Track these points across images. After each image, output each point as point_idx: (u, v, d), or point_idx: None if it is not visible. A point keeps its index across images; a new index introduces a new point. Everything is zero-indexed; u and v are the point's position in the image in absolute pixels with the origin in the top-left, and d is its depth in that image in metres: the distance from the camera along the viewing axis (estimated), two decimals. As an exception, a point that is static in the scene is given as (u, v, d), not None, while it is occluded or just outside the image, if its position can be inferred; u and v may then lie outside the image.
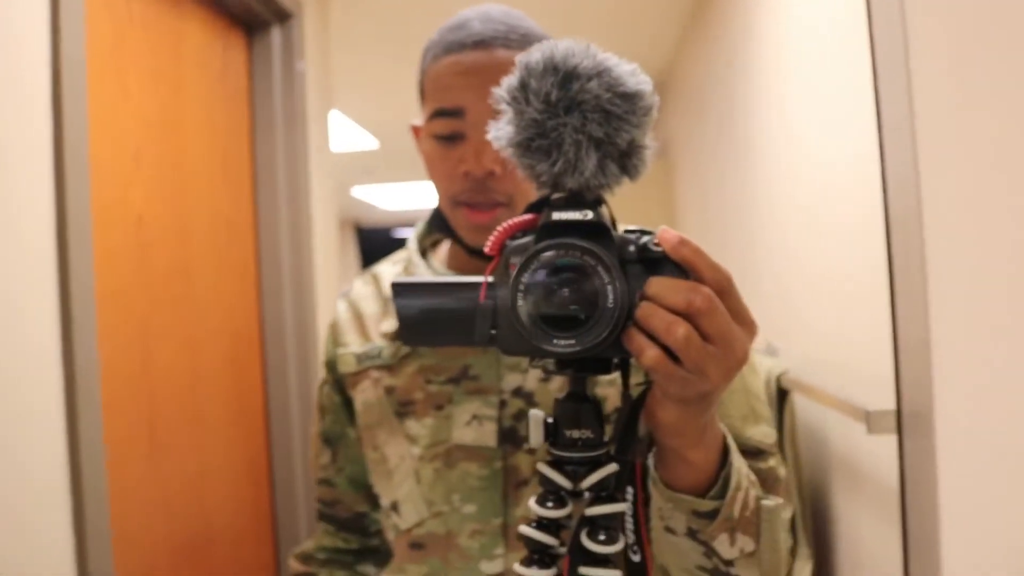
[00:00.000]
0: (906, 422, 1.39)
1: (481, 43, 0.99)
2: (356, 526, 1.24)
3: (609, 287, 0.63)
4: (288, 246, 2.54)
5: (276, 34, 2.54)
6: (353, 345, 1.15)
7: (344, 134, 5.19)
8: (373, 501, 1.20)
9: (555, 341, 0.63)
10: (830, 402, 1.72)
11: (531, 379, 1.03)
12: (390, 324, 1.12)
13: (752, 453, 0.93)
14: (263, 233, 2.51)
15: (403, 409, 1.08)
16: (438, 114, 1.01)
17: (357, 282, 1.22)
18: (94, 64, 1.68)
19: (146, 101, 1.95)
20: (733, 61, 2.94)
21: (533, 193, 1.00)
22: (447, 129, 1.01)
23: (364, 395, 1.12)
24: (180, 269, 2.05)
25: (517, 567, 0.72)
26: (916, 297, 1.38)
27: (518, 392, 1.03)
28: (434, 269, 1.15)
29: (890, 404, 1.46)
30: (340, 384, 1.18)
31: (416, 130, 1.13)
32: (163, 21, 2.04)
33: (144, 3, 1.95)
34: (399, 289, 0.71)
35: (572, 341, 0.63)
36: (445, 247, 1.18)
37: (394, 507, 1.09)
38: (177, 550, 1.96)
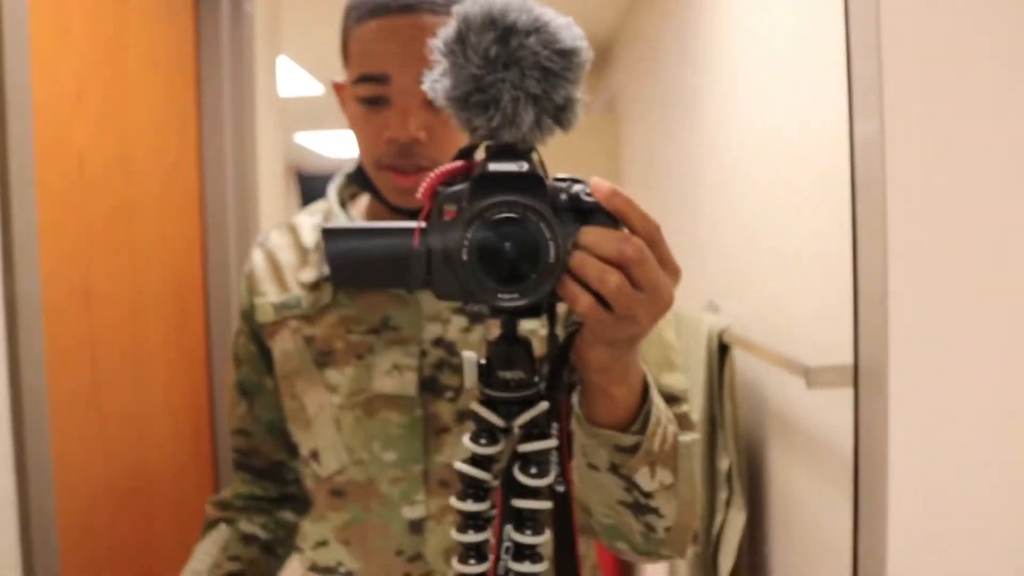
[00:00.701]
0: (862, 378, 1.44)
1: (407, 7, 0.98)
2: (274, 475, 1.25)
3: (551, 243, 0.64)
4: (233, 190, 2.50)
5: (224, -28, 2.48)
6: (271, 295, 1.15)
7: (289, 79, 5.10)
8: (291, 450, 1.21)
9: (499, 295, 0.65)
10: (771, 358, 1.76)
11: (452, 329, 1.05)
12: (309, 274, 1.12)
13: (668, 399, 0.97)
14: (208, 176, 2.47)
15: (323, 359, 1.09)
16: (363, 79, 1.01)
17: (273, 233, 1.22)
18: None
19: (89, 38, 1.89)
20: (685, 15, 2.95)
21: None
22: (371, 93, 1.00)
23: (283, 344, 1.12)
24: (123, 208, 2.02)
25: (453, 501, 0.74)
26: (876, 255, 1.41)
27: (439, 342, 1.05)
28: (353, 221, 1.14)
29: (830, 360, 1.51)
30: (257, 334, 1.18)
31: (338, 87, 1.13)
32: (107, -45, 1.98)
33: (87, -65, 1.90)
34: (331, 233, 0.72)
35: (516, 295, 0.65)
36: (364, 200, 1.19)
37: (313, 455, 1.10)
38: (117, 488, 1.95)
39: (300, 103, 6.06)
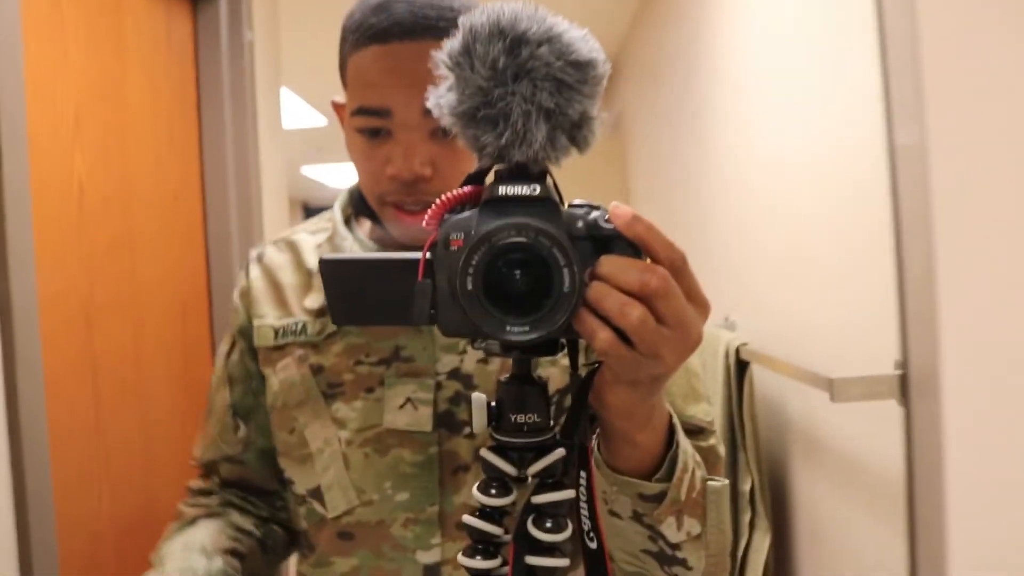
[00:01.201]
0: (913, 388, 1.39)
1: (408, 33, 0.89)
2: (265, 500, 1.16)
3: (565, 270, 0.59)
4: (237, 221, 2.47)
5: (223, 2, 2.47)
6: (270, 317, 1.06)
7: (293, 111, 5.11)
8: (283, 482, 1.10)
9: (508, 328, 0.59)
10: (791, 372, 1.71)
11: (468, 360, 0.97)
12: (315, 300, 1.03)
13: (693, 432, 0.91)
14: (211, 207, 2.44)
15: (331, 391, 1.00)
16: (362, 111, 0.93)
17: (270, 248, 1.13)
18: (30, 24, 1.61)
19: (87, 66, 1.87)
20: (689, 34, 2.93)
21: None
22: (372, 126, 0.93)
23: (286, 373, 1.03)
24: (124, 240, 1.98)
25: (460, 558, 0.69)
26: (922, 263, 1.37)
27: (454, 374, 0.97)
28: (361, 242, 1.06)
29: (852, 372, 1.46)
30: (253, 356, 1.09)
31: (338, 108, 1.05)
32: (104, -16, 1.97)
33: (83, -36, 1.88)
34: (329, 266, 0.67)
35: (526, 328, 0.59)
36: (368, 221, 1.11)
37: (315, 494, 1.02)
38: (121, 523, 1.90)
39: (305, 135, 6.07)
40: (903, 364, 1.40)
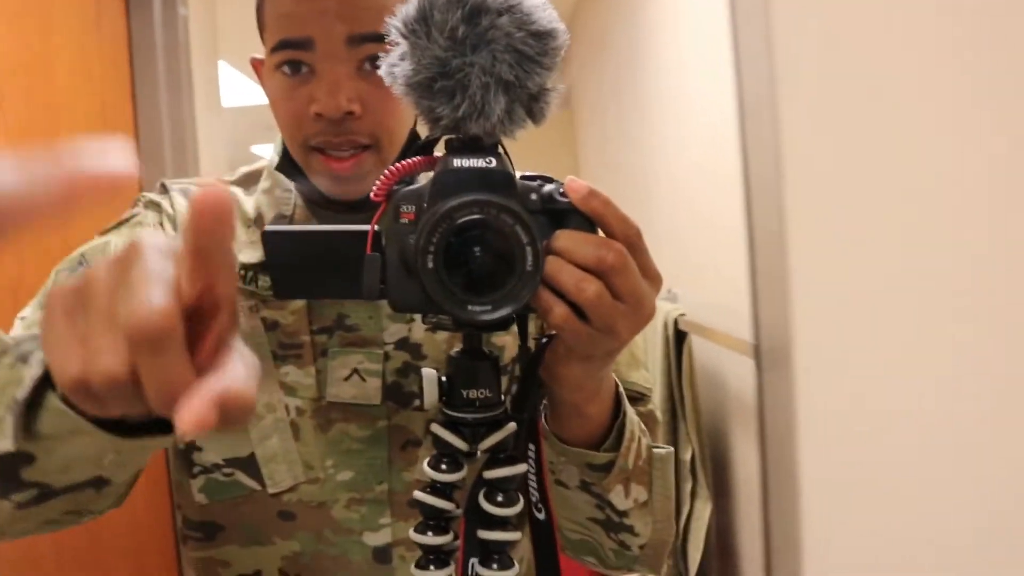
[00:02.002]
0: (764, 355, 1.41)
1: None
2: None
3: (528, 248, 0.58)
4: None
5: (154, -24, 2.42)
6: None
7: (236, 89, 5.02)
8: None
9: (470, 307, 0.58)
10: (722, 340, 1.73)
11: (417, 329, 0.93)
12: (252, 254, 0.93)
13: (634, 398, 0.91)
14: (147, 183, 2.39)
15: (285, 352, 0.92)
16: (282, 46, 0.86)
17: (194, 188, 1.00)
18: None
19: (8, 43, 1.82)
20: (636, 8, 2.92)
21: (400, 131, 0.90)
22: (292, 59, 0.86)
23: None
24: (54, 226, 1.94)
25: (412, 534, 0.68)
26: (773, 234, 1.39)
27: (402, 344, 0.92)
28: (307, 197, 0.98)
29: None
30: None
31: (256, 64, 0.98)
32: (26, -41, 1.92)
33: (3, -61, 1.83)
34: (272, 237, 0.65)
35: (489, 307, 0.58)
36: None
37: (241, 464, 0.91)
38: (65, 558, 1.86)
39: (252, 113, 5.97)
40: (754, 333, 1.45)
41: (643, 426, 0.84)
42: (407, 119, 0.90)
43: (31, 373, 0.56)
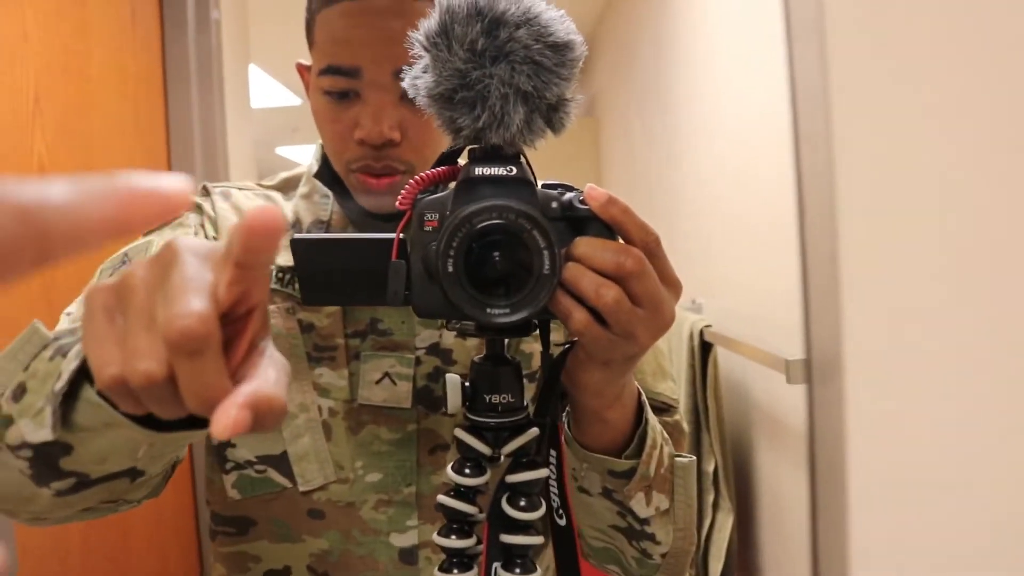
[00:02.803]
0: (815, 371, 1.41)
1: None
2: None
3: (545, 252, 0.59)
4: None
5: (189, -21, 2.44)
6: None
7: (264, 90, 5.06)
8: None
9: (489, 310, 0.60)
10: (751, 353, 1.72)
11: (448, 335, 0.94)
12: (291, 258, 0.91)
13: (660, 409, 0.92)
14: (179, 188, 2.42)
15: (319, 354, 0.94)
16: (330, 71, 0.89)
17: (235, 191, 1.03)
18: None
19: (47, 43, 1.85)
20: (661, 18, 2.92)
21: (435, 158, 0.90)
22: (339, 87, 0.89)
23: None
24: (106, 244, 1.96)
25: (436, 537, 0.69)
26: (825, 248, 1.39)
27: (433, 349, 0.94)
28: (344, 207, 1.00)
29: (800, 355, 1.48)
30: None
31: (302, 70, 1.00)
32: (65, -40, 1.94)
33: (43, -60, 1.85)
34: (300, 245, 0.66)
35: (507, 310, 0.60)
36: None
37: (273, 462, 0.93)
38: (91, 551, 1.88)
39: (279, 114, 6.02)
40: (806, 349, 1.44)
41: (666, 435, 0.84)
42: (442, 147, 0.92)
43: (69, 366, 0.59)
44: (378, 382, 0.93)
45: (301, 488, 0.93)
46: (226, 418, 0.38)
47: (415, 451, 0.93)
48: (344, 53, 0.88)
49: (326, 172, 1.02)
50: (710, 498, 2.04)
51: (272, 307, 0.95)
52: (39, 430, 0.60)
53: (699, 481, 2.07)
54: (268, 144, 7.31)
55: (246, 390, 0.40)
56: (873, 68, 1.35)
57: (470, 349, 0.95)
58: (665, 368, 0.97)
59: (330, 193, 1.00)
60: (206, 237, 0.97)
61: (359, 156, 0.91)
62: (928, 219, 1.33)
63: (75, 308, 0.92)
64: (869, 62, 1.35)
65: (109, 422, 0.56)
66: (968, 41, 1.29)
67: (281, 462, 0.93)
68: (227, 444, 0.95)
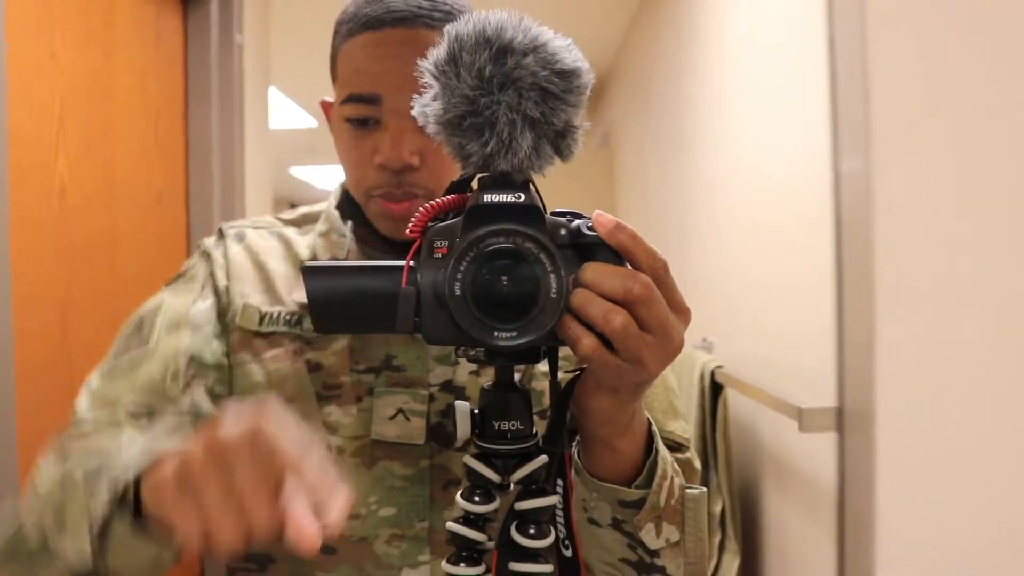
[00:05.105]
0: (847, 421, 1.41)
1: (402, 20, 0.90)
2: None
3: (552, 275, 0.60)
4: (220, 221, 2.47)
5: (214, 3, 2.47)
6: (255, 298, 0.99)
7: (282, 112, 5.10)
8: None
9: (496, 334, 0.60)
10: (764, 399, 1.72)
11: (461, 372, 0.95)
12: (303, 295, 0.91)
13: (672, 447, 0.92)
14: (194, 207, 2.44)
15: (326, 392, 0.95)
16: (352, 99, 0.92)
17: (249, 231, 1.06)
18: (15, 20, 1.60)
19: (74, 64, 1.87)
20: (678, 54, 2.94)
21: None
22: (361, 115, 0.92)
23: (277, 364, 0.96)
24: (105, 240, 1.98)
25: (444, 565, 0.69)
26: (862, 298, 1.39)
27: (447, 386, 0.94)
28: (362, 245, 1.02)
29: (823, 402, 1.48)
30: (226, 333, 0.99)
31: (326, 107, 1.04)
32: (94, -18, 1.96)
33: (75, -38, 1.88)
34: (312, 271, 0.67)
35: (514, 333, 0.60)
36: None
37: None
38: None
39: (294, 136, 6.06)
40: (838, 396, 1.43)
41: (677, 467, 0.84)
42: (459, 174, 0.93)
43: (102, 498, 0.68)
44: (392, 418, 0.93)
45: None
46: (309, 544, 0.49)
47: (428, 487, 0.93)
48: (364, 81, 0.91)
49: (346, 205, 1.04)
50: (716, 539, 2.03)
51: (280, 350, 0.97)
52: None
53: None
54: (282, 164, 7.36)
55: (314, 521, 0.51)
56: (913, 101, 1.36)
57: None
58: (677, 407, 0.97)
59: (347, 232, 1.02)
60: (215, 286, 1.01)
61: (380, 182, 0.93)
62: (967, 266, 1.33)
63: (97, 382, 0.98)
64: (916, 110, 1.36)
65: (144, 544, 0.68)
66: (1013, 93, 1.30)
67: None
68: None
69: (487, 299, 0.60)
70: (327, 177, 8.07)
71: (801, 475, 1.75)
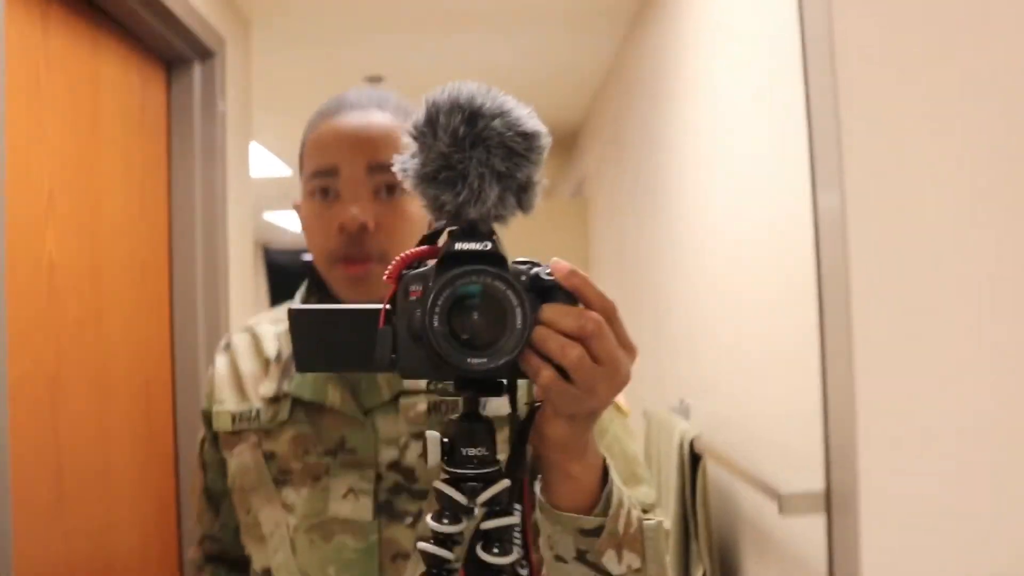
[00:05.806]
0: (834, 502, 1.43)
1: (355, 106, 1.07)
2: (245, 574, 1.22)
3: (518, 309, 0.69)
4: (202, 282, 2.49)
5: (197, 71, 2.50)
6: (228, 403, 1.15)
7: (259, 162, 5.12)
8: None
9: (469, 360, 0.68)
10: (743, 477, 1.75)
11: (410, 454, 1.05)
12: (269, 387, 1.12)
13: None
14: (177, 271, 2.46)
15: (282, 477, 1.09)
16: (314, 175, 1.06)
17: (236, 336, 1.23)
18: (11, 104, 1.63)
19: (62, 142, 1.89)
20: (647, 107, 2.99)
21: (406, 248, 1.04)
22: (322, 186, 1.06)
23: (241, 458, 1.12)
24: (92, 315, 1.99)
25: None
26: (843, 383, 1.42)
27: (395, 466, 1.05)
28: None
29: (803, 486, 1.50)
30: (215, 441, 1.18)
31: (298, 207, 1.16)
32: (81, 59, 1.99)
33: (62, 41, 1.90)
34: (297, 315, 0.76)
35: (484, 359, 0.68)
36: None
37: (266, 573, 1.09)
38: None
39: (270, 184, 6.09)
40: (825, 478, 1.47)
41: (634, 500, 0.90)
42: (414, 235, 1.05)
43: None
44: (344, 496, 1.06)
45: None
46: None
47: (377, 559, 1.04)
48: (324, 156, 1.06)
49: (314, 286, 1.17)
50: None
51: (244, 444, 1.12)
52: None
53: (685, 588, 2.09)
54: (256, 209, 7.36)
55: None
56: (886, 149, 1.41)
57: (431, 471, 1.00)
58: (639, 474, 1.05)
59: None
60: (207, 411, 1.19)
61: (339, 245, 1.05)
62: (950, 334, 1.37)
63: None
64: (887, 179, 1.41)
65: None
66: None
67: (267, 573, 1.09)
68: (250, 558, 1.13)
69: (462, 329, 0.68)
70: (297, 220, 8.10)
71: (780, 548, 1.79)
